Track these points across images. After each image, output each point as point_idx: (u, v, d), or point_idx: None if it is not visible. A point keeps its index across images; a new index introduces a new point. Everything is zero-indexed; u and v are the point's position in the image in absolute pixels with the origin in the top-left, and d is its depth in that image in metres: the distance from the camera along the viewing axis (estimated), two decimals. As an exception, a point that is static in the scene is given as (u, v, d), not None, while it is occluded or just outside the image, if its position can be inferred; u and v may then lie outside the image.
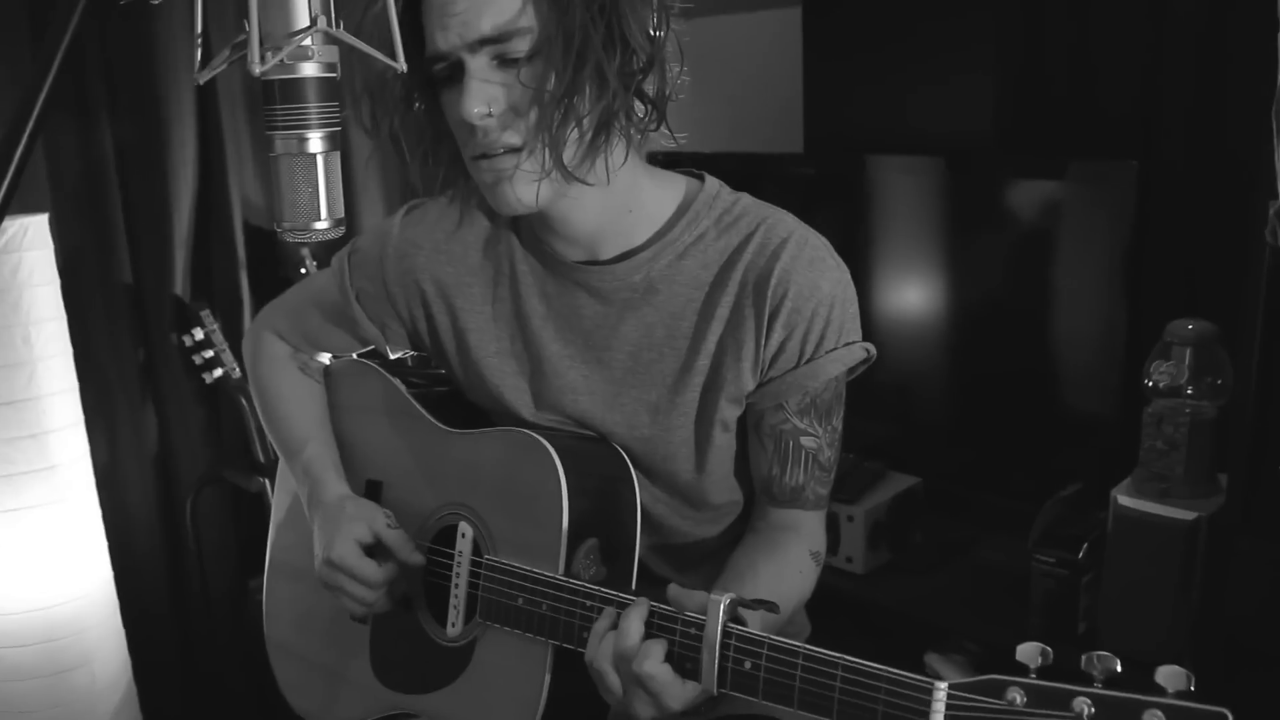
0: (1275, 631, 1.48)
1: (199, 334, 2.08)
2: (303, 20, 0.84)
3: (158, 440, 2.15)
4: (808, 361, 1.11)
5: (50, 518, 1.79)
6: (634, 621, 0.96)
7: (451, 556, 1.16)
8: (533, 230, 1.17)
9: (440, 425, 1.23)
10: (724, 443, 1.16)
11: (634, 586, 1.10)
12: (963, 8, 1.92)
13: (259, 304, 2.20)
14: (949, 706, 0.81)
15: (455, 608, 1.16)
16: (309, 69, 0.86)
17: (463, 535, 1.16)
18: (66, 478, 1.81)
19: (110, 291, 2.05)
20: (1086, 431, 1.83)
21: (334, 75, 0.88)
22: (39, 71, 0.78)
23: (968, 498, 2.04)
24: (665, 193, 1.15)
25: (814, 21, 2.15)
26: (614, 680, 0.97)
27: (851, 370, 1.15)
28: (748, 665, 0.92)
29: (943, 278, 1.98)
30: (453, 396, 1.27)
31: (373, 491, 1.28)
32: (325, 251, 2.05)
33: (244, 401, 2.10)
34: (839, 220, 2.04)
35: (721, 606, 0.93)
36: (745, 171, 1.27)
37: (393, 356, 1.31)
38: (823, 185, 2.11)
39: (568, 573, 1.07)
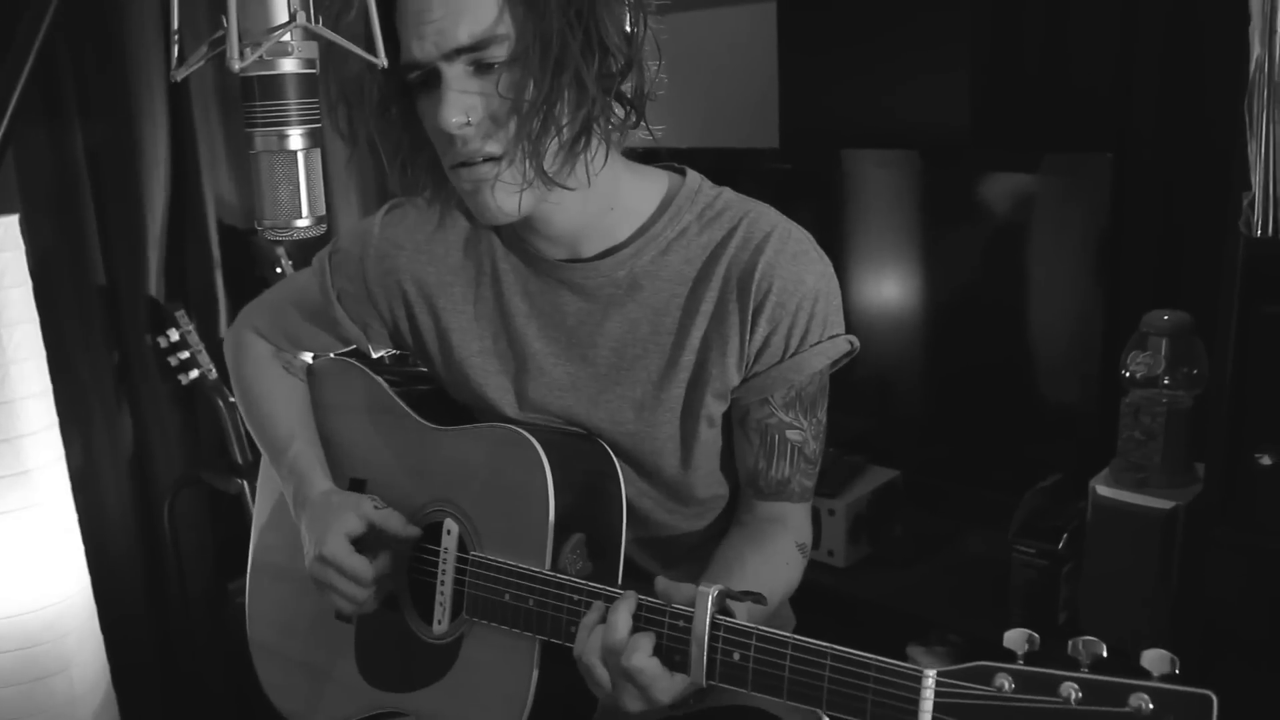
0: (1252, 618, 1.50)
1: (174, 335, 2.06)
2: (282, 15, 0.83)
3: (134, 443, 2.12)
4: (792, 355, 1.11)
5: (25, 523, 1.77)
6: (622, 615, 0.96)
7: (437, 553, 1.16)
8: (514, 229, 1.16)
9: (424, 422, 1.23)
10: (709, 437, 1.16)
11: (620, 581, 1.10)
12: (937, 2, 1.93)
13: (235, 304, 2.17)
14: (938, 694, 0.82)
15: (441, 604, 1.15)
16: (288, 64, 0.85)
17: (448, 532, 1.15)
18: (41, 482, 1.78)
19: (84, 293, 2.02)
20: (1065, 422, 1.84)
21: (313, 71, 0.87)
22: (9, 75, 0.77)
23: (947, 490, 2.06)
24: (647, 188, 1.15)
25: (789, 15, 2.15)
26: (602, 674, 0.97)
27: (835, 363, 1.15)
28: (736, 657, 0.92)
29: (920, 271, 1.99)
30: (436, 393, 1.27)
31: (357, 490, 1.27)
32: (301, 251, 2.04)
33: (221, 403, 2.08)
34: (815, 214, 2.03)
35: (710, 598, 0.93)
36: (721, 166, 1.27)
37: (374, 355, 1.30)
38: (798, 180, 2.11)
39: (554, 568, 1.07)
